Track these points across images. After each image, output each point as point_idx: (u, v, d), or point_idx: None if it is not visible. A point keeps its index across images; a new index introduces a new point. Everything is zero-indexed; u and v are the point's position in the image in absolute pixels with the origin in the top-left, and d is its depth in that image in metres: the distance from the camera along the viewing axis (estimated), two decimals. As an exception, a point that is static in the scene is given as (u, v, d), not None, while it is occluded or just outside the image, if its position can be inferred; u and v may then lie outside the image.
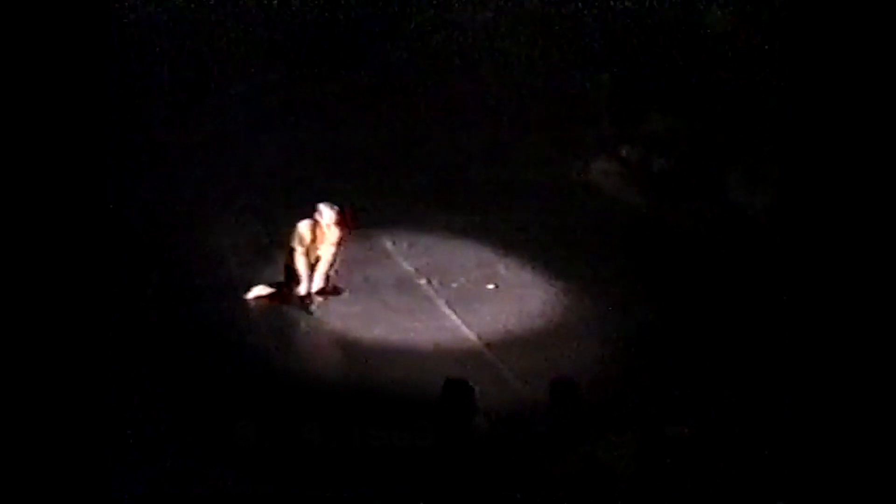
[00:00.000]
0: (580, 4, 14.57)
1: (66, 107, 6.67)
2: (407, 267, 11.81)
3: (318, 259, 10.93)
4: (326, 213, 10.85)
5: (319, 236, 10.87)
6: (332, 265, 10.97)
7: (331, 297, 10.95)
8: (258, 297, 10.91)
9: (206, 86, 14.85)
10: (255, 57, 15.34)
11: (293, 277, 10.89)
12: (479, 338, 10.31)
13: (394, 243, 12.42)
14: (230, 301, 11.02)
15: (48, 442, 6.57)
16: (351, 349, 10.19)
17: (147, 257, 11.53)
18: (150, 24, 14.79)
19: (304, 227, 10.84)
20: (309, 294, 10.91)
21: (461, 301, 10.92)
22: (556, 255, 11.96)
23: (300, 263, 10.83)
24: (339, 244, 10.95)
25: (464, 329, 10.48)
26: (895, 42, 6.45)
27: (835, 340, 6.46)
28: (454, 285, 11.32)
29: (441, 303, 10.94)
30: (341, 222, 10.86)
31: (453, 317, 10.61)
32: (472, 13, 15.35)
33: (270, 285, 10.99)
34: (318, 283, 10.94)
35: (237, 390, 9.08)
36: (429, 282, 11.42)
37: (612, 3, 14.35)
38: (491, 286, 11.36)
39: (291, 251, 10.85)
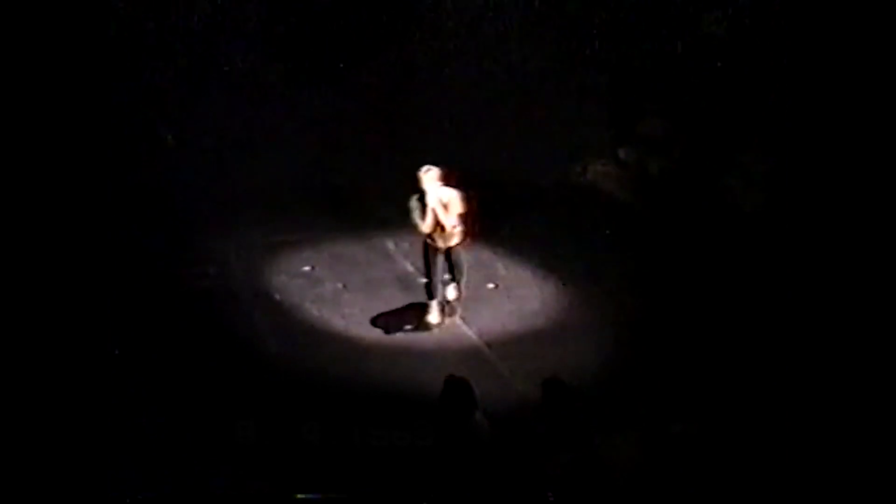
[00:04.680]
0: (579, 6, 14.59)
1: (67, 106, 6.68)
2: (408, 267, 11.82)
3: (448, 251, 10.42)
4: (428, 175, 10.15)
5: (437, 207, 10.20)
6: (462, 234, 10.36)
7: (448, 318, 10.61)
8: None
9: (207, 85, 14.85)
10: (258, 55, 15.35)
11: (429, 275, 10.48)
12: (479, 337, 10.32)
13: (395, 244, 12.44)
14: (230, 301, 11.05)
15: (48, 442, 6.58)
16: (351, 349, 10.19)
17: (148, 257, 11.55)
18: (151, 23, 14.82)
19: (412, 201, 10.23)
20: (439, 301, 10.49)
21: (461, 301, 10.91)
22: (555, 255, 11.98)
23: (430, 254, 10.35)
24: (459, 213, 10.26)
25: (464, 328, 10.49)
26: (887, 47, 6.48)
27: (834, 338, 6.47)
28: (454, 285, 11.32)
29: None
30: (449, 181, 10.22)
31: (454, 316, 10.61)
32: (471, 15, 15.36)
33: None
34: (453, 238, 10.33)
35: (237, 390, 9.09)
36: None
37: (610, 5, 14.38)
38: (491, 286, 11.37)
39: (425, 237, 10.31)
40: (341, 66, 14.88)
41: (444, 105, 14.70)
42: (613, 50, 14.50)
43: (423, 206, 10.22)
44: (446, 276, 10.56)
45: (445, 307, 10.58)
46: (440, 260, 10.40)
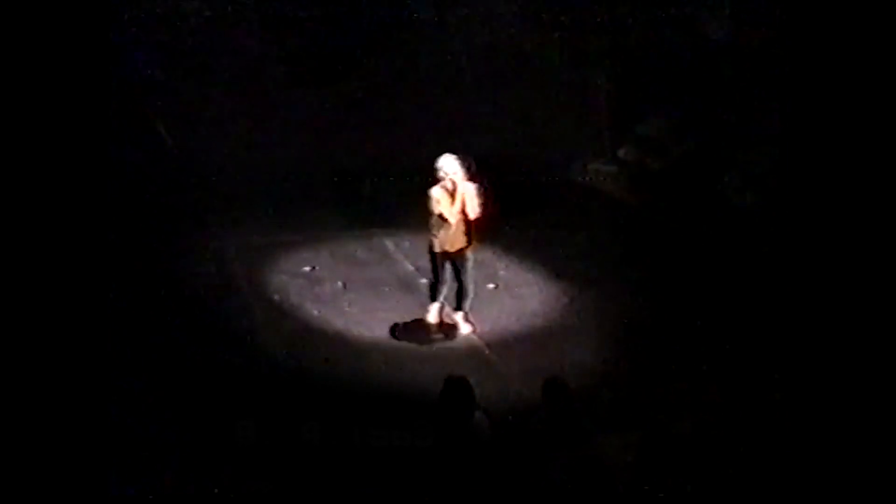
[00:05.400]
0: (579, 6, 14.61)
1: (67, 106, 6.67)
2: (408, 267, 11.83)
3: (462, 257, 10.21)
4: (449, 164, 9.98)
5: (456, 198, 9.96)
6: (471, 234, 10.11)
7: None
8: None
9: (207, 84, 14.88)
10: (259, 55, 15.37)
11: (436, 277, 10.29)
12: (480, 337, 10.32)
13: (395, 244, 12.45)
14: (230, 301, 11.05)
15: (48, 442, 6.57)
16: (351, 349, 10.19)
17: (147, 257, 11.56)
18: (151, 24, 14.84)
19: (436, 191, 10.00)
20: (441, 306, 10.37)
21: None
22: (556, 255, 11.99)
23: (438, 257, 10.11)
24: (477, 207, 9.97)
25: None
26: (886, 46, 6.48)
27: (834, 337, 6.47)
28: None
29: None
30: (472, 175, 9.93)
31: (454, 316, 10.60)
32: (472, 16, 15.39)
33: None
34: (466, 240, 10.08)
35: (237, 390, 9.09)
36: (429, 281, 11.40)
37: (610, 5, 14.41)
38: (491, 286, 11.37)
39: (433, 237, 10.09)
40: (343, 66, 14.91)
41: (444, 106, 14.73)
42: (614, 50, 14.53)
43: (451, 193, 10.01)
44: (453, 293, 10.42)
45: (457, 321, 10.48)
46: (448, 266, 10.29)
